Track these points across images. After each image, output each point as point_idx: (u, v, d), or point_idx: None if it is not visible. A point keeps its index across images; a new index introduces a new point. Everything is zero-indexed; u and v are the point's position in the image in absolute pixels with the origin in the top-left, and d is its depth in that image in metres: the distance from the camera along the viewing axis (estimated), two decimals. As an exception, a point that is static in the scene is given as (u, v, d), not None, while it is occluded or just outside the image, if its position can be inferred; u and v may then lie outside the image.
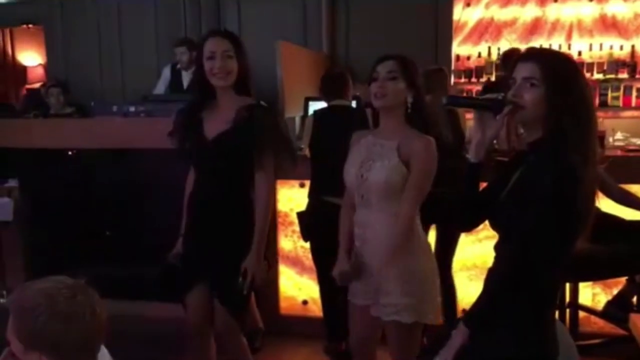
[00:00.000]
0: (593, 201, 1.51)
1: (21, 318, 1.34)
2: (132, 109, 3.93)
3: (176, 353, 3.06)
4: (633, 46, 5.48)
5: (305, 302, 3.65)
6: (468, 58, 5.80)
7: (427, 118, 2.10)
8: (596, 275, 2.91)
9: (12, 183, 4.01)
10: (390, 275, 2.10)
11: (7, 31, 7.53)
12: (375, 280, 2.15)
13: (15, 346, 1.37)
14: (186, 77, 5.23)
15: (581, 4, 5.53)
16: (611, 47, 5.49)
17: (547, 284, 1.56)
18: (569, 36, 5.58)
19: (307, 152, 3.29)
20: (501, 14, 5.71)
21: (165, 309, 3.63)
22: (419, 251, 2.17)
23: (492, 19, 5.73)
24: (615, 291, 3.15)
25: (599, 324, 3.24)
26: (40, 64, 7.50)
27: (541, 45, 5.53)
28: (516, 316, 1.54)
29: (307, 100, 4.01)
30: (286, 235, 3.61)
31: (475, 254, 3.35)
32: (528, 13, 5.64)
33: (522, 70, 1.55)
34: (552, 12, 5.58)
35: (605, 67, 5.52)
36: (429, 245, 2.27)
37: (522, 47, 5.58)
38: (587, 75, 5.27)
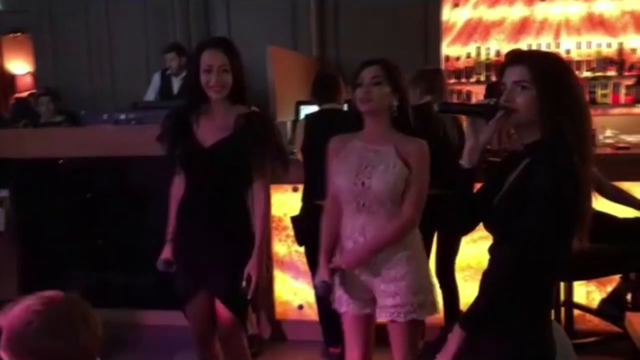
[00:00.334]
0: (590, 201, 1.52)
1: (14, 335, 1.33)
2: (122, 116, 3.93)
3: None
4: (620, 44, 5.52)
5: (301, 307, 3.64)
6: (457, 59, 5.83)
7: (430, 118, 2.10)
8: (591, 274, 2.93)
9: (3, 193, 3.99)
10: (389, 275, 2.13)
11: (-4, 40, 7.51)
12: (373, 284, 2.16)
13: None
14: (176, 83, 5.22)
15: (568, 2, 5.58)
16: (599, 45, 5.53)
17: (544, 284, 1.56)
18: (557, 35, 5.62)
19: (299, 156, 3.29)
20: (489, 14, 5.74)
21: (162, 316, 3.65)
22: (416, 249, 2.22)
23: (480, 19, 5.76)
24: (609, 288, 3.17)
25: (594, 321, 3.26)
26: (29, 73, 7.46)
27: (530, 45, 5.58)
28: (514, 317, 1.54)
29: (299, 104, 4.01)
30: (280, 240, 3.60)
31: (470, 255, 3.35)
32: (516, 13, 5.68)
33: (512, 75, 1.55)
34: (540, 11, 5.62)
35: (593, 65, 5.56)
36: (422, 241, 2.29)
37: (511, 46, 5.63)
38: (576, 73, 5.30)
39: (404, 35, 5.43)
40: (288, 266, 3.63)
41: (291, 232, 3.35)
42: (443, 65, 5.74)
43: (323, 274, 2.22)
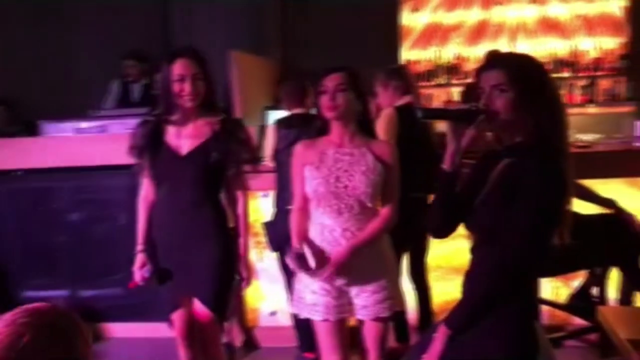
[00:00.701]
0: (571, 198, 1.56)
1: (4, 352, 1.27)
2: (83, 125, 3.84)
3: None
4: (573, 46, 5.70)
5: (273, 313, 3.61)
6: (417, 62, 5.90)
7: (415, 120, 2.14)
8: (558, 271, 2.99)
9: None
10: (367, 274, 2.18)
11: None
12: (349, 286, 2.19)
13: None
14: (136, 90, 5.14)
15: (524, 6, 5.72)
16: (554, 48, 5.69)
17: (530, 282, 1.59)
18: (513, 38, 5.75)
19: (268, 161, 3.27)
20: (448, 18, 5.84)
21: (126, 329, 3.57)
22: (388, 246, 2.28)
23: (439, 24, 5.85)
24: (574, 283, 3.26)
25: (561, 316, 3.33)
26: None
27: (487, 48, 5.69)
28: (501, 317, 1.56)
29: (266, 109, 3.99)
30: (251, 246, 3.56)
31: (439, 255, 3.39)
32: (474, 16, 5.79)
33: (489, 79, 1.59)
34: (496, 15, 5.75)
35: (549, 67, 5.71)
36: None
37: (470, 50, 5.76)
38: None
39: (364, 40, 5.47)
40: (259, 272, 3.59)
41: (262, 238, 3.32)
42: (404, 69, 5.81)
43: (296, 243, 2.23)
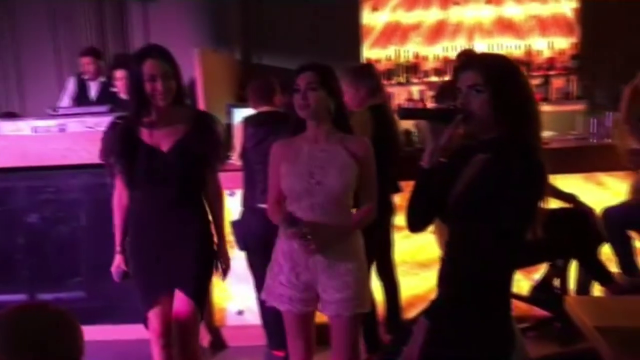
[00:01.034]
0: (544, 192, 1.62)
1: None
2: (41, 123, 3.72)
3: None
4: (528, 46, 5.86)
5: (240, 312, 3.59)
6: (378, 61, 5.95)
7: (389, 119, 2.16)
8: (521, 264, 3.07)
9: None
10: (335, 270, 2.19)
11: None
12: (317, 280, 2.21)
13: None
14: (93, 88, 5.03)
15: (480, 7, 5.84)
16: (509, 47, 5.84)
17: (506, 275, 1.64)
18: (470, 37, 5.87)
19: (235, 160, 3.25)
20: (407, 18, 5.91)
21: (90, 332, 3.48)
22: (358, 244, 2.29)
23: (398, 23, 5.92)
24: (535, 276, 3.36)
25: (523, 307, 3.42)
26: None
27: (446, 48, 5.81)
28: (480, 310, 1.60)
29: (230, 107, 3.96)
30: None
31: (404, 250, 3.44)
32: (432, 16, 5.88)
33: (465, 80, 1.64)
34: (454, 15, 5.86)
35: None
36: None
37: (429, 49, 5.85)
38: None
39: (326, 38, 5.49)
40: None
41: (230, 237, 3.29)
42: (364, 68, 5.86)
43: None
